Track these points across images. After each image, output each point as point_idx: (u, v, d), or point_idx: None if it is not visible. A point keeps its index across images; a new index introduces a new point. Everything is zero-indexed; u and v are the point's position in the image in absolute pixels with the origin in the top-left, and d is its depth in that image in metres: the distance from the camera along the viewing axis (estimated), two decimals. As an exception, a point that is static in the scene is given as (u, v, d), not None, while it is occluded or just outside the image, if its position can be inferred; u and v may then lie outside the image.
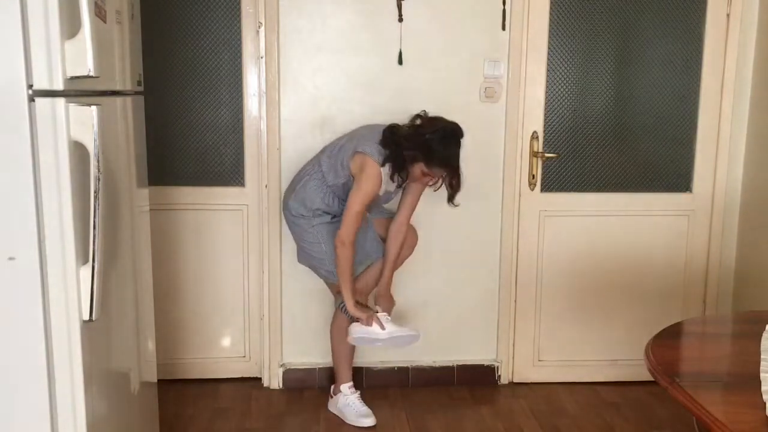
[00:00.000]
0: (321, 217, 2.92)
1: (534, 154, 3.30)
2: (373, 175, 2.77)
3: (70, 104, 1.63)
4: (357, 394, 3.10)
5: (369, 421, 3.02)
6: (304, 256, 3.05)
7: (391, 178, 2.83)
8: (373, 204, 2.94)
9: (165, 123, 3.22)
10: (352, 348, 3.12)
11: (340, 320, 3.06)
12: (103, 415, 1.87)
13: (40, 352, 1.67)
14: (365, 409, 3.06)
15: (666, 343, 1.90)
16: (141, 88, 2.33)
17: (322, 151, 3.00)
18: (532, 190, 3.34)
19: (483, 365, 3.44)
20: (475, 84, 3.23)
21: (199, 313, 3.38)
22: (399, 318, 3.21)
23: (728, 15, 3.27)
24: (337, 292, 3.04)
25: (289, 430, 3.00)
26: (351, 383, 3.12)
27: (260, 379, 3.42)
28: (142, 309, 2.33)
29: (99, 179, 1.68)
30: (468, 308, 3.40)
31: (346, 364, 3.12)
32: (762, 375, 1.63)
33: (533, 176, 3.32)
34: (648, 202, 3.41)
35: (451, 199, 2.87)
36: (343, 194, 2.89)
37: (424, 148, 2.74)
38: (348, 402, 3.07)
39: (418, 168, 2.78)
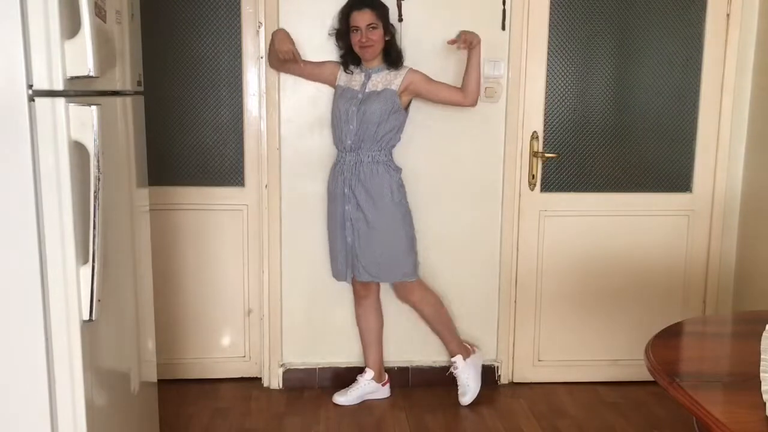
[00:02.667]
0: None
1: (534, 154, 3.30)
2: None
3: (70, 104, 1.63)
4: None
5: (339, 398, 3.21)
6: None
7: (345, 66, 3.03)
8: (335, 117, 3.02)
9: (165, 123, 3.22)
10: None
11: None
12: (103, 415, 1.87)
13: (40, 352, 1.67)
14: (350, 391, 3.23)
15: (666, 343, 1.90)
16: (141, 88, 2.33)
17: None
18: (532, 190, 3.34)
19: (483, 365, 3.43)
20: (475, 84, 3.23)
21: (199, 313, 3.38)
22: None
23: (728, 15, 3.27)
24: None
25: (289, 430, 3.00)
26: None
27: (260, 379, 3.42)
28: (142, 309, 2.33)
29: (99, 179, 1.68)
30: (468, 308, 3.40)
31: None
32: (762, 375, 1.63)
33: (533, 176, 3.32)
34: (648, 202, 3.40)
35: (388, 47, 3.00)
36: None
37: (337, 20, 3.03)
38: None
39: (352, 40, 2.94)
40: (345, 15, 2.96)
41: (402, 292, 3.19)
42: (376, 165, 2.98)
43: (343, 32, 2.99)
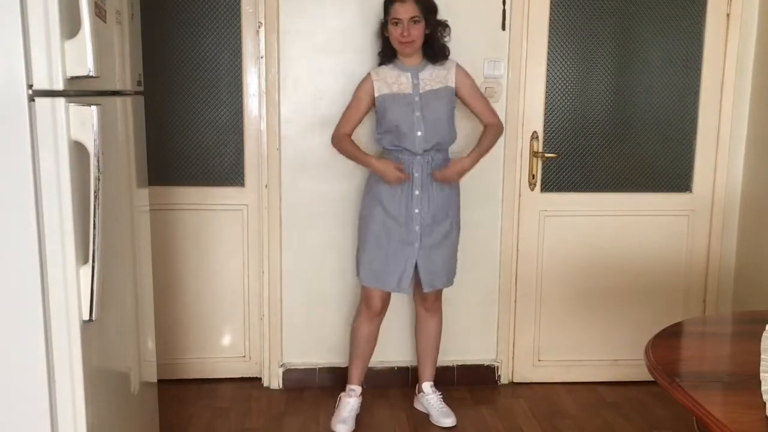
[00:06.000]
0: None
1: (534, 154, 3.30)
2: (361, 81, 2.92)
3: (70, 104, 1.63)
4: (354, 398, 3.04)
5: (343, 428, 2.95)
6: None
7: (384, 62, 2.90)
8: (395, 125, 2.81)
9: (165, 123, 3.22)
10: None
11: None
12: (103, 415, 1.87)
13: (40, 352, 1.67)
14: (345, 414, 2.99)
15: (666, 343, 1.90)
16: (141, 88, 2.33)
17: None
18: (532, 190, 3.34)
19: (483, 365, 3.44)
20: (475, 84, 3.23)
21: (199, 313, 3.38)
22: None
23: (728, 15, 3.27)
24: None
25: (289, 430, 3.00)
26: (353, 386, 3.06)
27: (260, 379, 3.42)
28: (142, 309, 2.33)
29: (99, 179, 1.68)
30: (468, 308, 3.40)
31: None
32: (762, 375, 1.63)
33: (533, 176, 3.32)
34: (648, 202, 3.40)
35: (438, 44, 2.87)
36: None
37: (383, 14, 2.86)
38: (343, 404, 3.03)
39: (391, 33, 2.80)
40: (387, 6, 2.79)
41: (435, 301, 3.07)
42: (445, 167, 2.88)
43: (384, 24, 2.84)
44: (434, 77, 2.86)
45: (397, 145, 2.85)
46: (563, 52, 3.27)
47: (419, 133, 2.82)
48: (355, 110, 2.92)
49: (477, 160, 2.89)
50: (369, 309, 3.00)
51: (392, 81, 2.85)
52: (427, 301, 3.05)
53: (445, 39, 2.89)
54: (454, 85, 2.87)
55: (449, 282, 3.01)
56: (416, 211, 2.85)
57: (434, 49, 2.85)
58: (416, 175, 2.84)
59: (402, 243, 2.86)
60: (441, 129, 2.85)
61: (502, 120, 3.25)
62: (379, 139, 2.93)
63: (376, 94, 2.86)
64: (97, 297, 1.70)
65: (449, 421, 3.02)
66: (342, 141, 2.94)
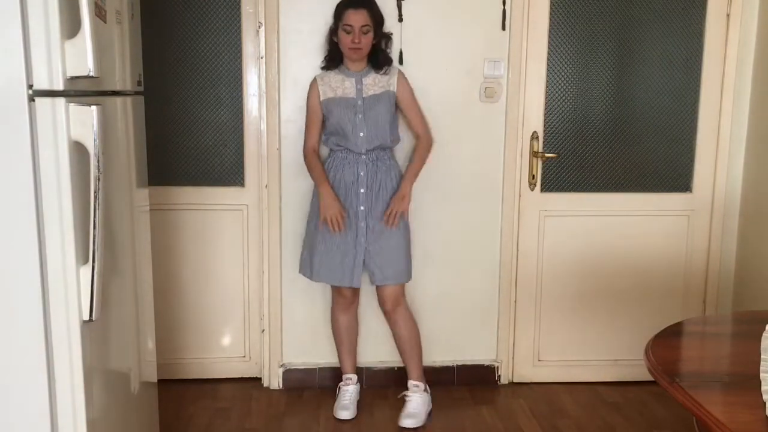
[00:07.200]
0: None
1: (534, 154, 3.30)
2: (309, 88, 3.01)
3: (70, 104, 1.63)
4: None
5: (346, 414, 3.08)
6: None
7: (329, 67, 2.99)
8: (339, 126, 2.92)
9: (165, 123, 3.22)
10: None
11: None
12: (103, 415, 1.87)
13: (40, 352, 1.67)
14: (346, 401, 3.12)
15: (666, 343, 1.90)
16: (141, 88, 2.33)
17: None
18: (532, 190, 3.34)
19: (483, 365, 3.44)
20: (475, 84, 3.23)
21: (199, 313, 3.38)
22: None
23: (728, 15, 3.27)
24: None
25: (289, 430, 3.00)
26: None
27: (260, 379, 3.43)
28: (142, 309, 2.33)
29: (99, 179, 1.68)
30: (468, 308, 3.40)
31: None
32: (762, 375, 1.63)
33: (533, 176, 3.32)
34: (648, 202, 3.41)
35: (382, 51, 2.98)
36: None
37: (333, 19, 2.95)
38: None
39: (341, 39, 2.89)
40: (339, 12, 2.90)
41: (396, 297, 3.06)
42: (390, 166, 2.99)
43: (334, 29, 2.94)
44: (377, 82, 2.96)
45: (341, 145, 2.95)
46: (563, 52, 3.27)
47: (362, 134, 2.92)
48: (314, 118, 3.00)
49: (413, 182, 3.00)
50: (342, 298, 3.11)
51: (337, 85, 2.95)
52: (387, 304, 3.05)
53: (387, 50, 3.01)
54: (395, 90, 2.97)
55: (402, 278, 3.03)
56: (361, 208, 2.94)
57: (379, 59, 2.96)
58: (362, 174, 2.94)
59: (350, 239, 2.95)
60: (382, 131, 2.94)
61: (503, 120, 3.27)
62: (326, 140, 3.01)
63: (321, 98, 2.95)
64: (97, 297, 1.70)
65: (409, 421, 3.01)
66: (311, 160, 3.01)
